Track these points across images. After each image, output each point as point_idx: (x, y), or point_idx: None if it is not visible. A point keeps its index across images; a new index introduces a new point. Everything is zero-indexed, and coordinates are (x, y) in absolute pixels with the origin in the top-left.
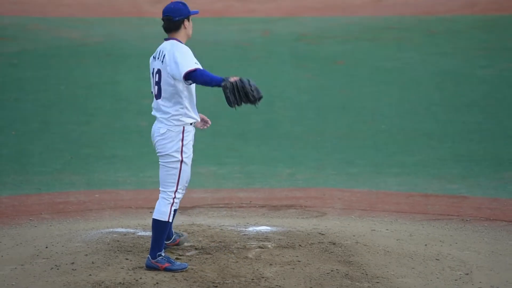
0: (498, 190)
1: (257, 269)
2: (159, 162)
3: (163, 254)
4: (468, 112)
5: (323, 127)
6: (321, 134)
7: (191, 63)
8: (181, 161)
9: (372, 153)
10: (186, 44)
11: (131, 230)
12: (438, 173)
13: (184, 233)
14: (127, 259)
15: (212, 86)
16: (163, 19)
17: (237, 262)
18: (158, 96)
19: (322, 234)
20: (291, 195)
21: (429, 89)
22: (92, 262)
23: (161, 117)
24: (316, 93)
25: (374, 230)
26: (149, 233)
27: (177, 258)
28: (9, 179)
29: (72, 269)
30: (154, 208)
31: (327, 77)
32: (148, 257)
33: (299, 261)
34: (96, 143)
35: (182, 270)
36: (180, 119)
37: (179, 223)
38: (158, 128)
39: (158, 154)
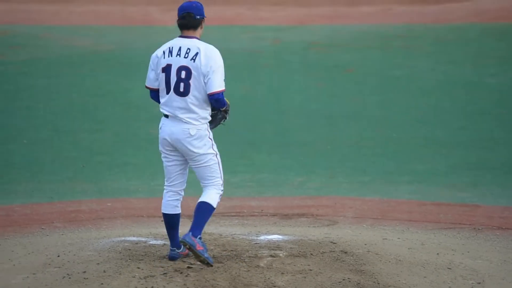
0: (510, 198)
1: (268, 278)
2: (192, 165)
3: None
4: (479, 120)
5: (334, 135)
6: (331, 142)
7: (223, 82)
8: (216, 153)
9: (383, 161)
10: None
11: (143, 239)
12: (449, 181)
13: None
14: (138, 267)
15: (219, 108)
16: (183, 15)
17: (248, 271)
18: (185, 93)
19: (334, 243)
20: (302, 204)
21: (439, 97)
22: (104, 271)
23: (187, 117)
24: (326, 101)
25: (385, 238)
26: (160, 242)
27: (188, 267)
28: (21, 187)
29: (84, 278)
30: None
31: (337, 85)
32: (189, 233)
33: (310, 270)
34: (107, 151)
35: (209, 264)
36: (207, 117)
37: None
38: (185, 130)
39: (189, 157)
